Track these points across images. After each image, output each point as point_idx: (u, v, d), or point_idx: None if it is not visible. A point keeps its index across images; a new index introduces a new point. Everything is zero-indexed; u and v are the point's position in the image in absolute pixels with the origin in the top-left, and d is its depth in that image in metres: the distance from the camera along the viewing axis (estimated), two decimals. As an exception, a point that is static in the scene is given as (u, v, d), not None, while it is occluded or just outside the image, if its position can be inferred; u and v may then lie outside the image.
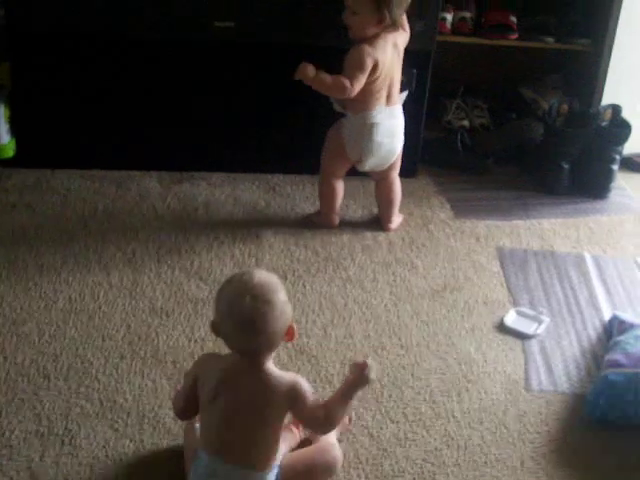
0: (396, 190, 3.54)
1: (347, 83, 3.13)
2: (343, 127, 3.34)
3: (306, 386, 2.10)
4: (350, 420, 2.48)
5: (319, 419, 2.11)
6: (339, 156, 3.39)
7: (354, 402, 2.22)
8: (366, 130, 3.28)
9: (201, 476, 2.09)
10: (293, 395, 2.07)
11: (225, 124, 3.78)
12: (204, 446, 2.11)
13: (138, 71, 3.66)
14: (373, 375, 2.12)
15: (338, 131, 3.35)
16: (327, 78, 3.16)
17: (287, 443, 2.27)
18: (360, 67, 3.12)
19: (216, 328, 2.08)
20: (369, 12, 3.13)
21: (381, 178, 3.50)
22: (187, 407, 2.19)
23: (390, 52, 3.20)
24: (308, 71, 3.15)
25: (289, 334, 2.07)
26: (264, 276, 2.06)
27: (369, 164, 3.38)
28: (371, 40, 3.16)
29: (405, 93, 3.40)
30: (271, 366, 2.10)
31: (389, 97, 3.31)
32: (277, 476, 2.14)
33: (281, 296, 2.03)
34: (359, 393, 2.17)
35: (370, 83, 3.17)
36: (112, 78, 3.65)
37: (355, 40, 3.20)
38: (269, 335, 2.02)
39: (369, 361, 2.13)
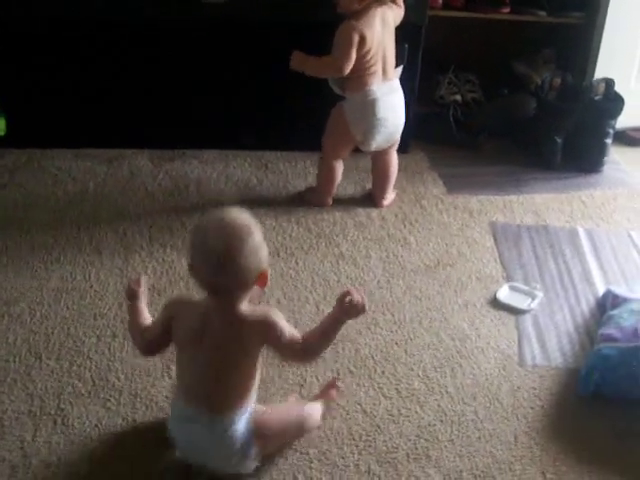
0: (394, 166, 3.53)
1: (337, 60, 3.13)
2: (344, 108, 3.32)
3: (279, 318, 2.10)
4: (337, 389, 2.49)
5: (297, 352, 2.13)
6: (343, 138, 3.38)
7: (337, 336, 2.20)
8: (368, 107, 3.27)
9: (174, 418, 2.17)
10: (265, 327, 2.08)
11: (216, 101, 3.76)
12: (179, 391, 2.16)
13: (128, 50, 3.64)
14: (358, 300, 2.11)
15: (340, 113, 3.34)
16: (316, 61, 3.20)
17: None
18: (347, 43, 3.12)
19: (190, 268, 2.08)
20: None
21: (379, 154, 3.49)
22: (156, 345, 2.22)
23: (378, 26, 3.19)
24: (300, 59, 3.21)
25: (261, 279, 2.06)
26: (240, 216, 2.06)
27: (376, 143, 3.37)
28: (357, 15, 3.16)
29: (400, 68, 3.39)
30: (245, 307, 2.09)
31: (385, 72, 3.30)
32: (248, 422, 2.14)
33: (255, 237, 2.03)
34: (342, 329, 2.17)
35: (361, 58, 3.16)
36: (102, 58, 3.64)
37: (343, 14, 3.19)
38: (239, 271, 2.01)
39: (353, 290, 2.13)
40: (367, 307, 2.14)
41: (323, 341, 2.17)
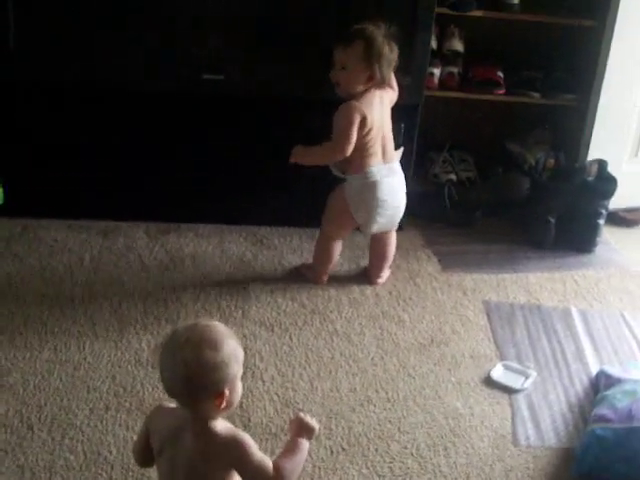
0: (392, 247, 3.55)
1: (339, 143, 3.16)
2: (345, 190, 3.33)
3: (248, 442, 1.98)
4: None
5: (267, 475, 1.99)
6: (344, 220, 3.40)
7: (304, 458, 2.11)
8: (369, 189, 3.29)
9: None
10: (233, 453, 1.97)
11: (213, 175, 3.78)
12: None
13: (126, 122, 3.67)
14: (311, 422, 2.09)
15: (341, 195, 3.35)
16: (318, 149, 3.24)
17: None
18: (348, 123, 3.15)
19: None
20: (359, 68, 3.16)
21: (379, 235, 3.50)
22: (144, 457, 2.13)
23: (378, 106, 3.23)
24: (301, 152, 3.25)
25: (219, 399, 1.92)
26: (214, 330, 1.94)
27: (377, 226, 3.39)
28: (359, 96, 3.19)
29: (401, 150, 3.42)
30: (216, 424, 1.98)
31: (384, 153, 3.32)
32: None
33: (220, 353, 1.89)
34: (306, 448, 2.10)
35: (362, 138, 3.19)
36: (99, 129, 3.66)
37: (343, 96, 3.22)
38: (191, 384, 1.89)
39: (301, 414, 2.12)
40: (316, 429, 2.12)
41: (294, 460, 2.05)
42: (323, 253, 3.51)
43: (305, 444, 2.08)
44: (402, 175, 3.42)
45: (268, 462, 2.00)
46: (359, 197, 3.31)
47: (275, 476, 2.00)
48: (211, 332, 1.92)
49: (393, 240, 3.54)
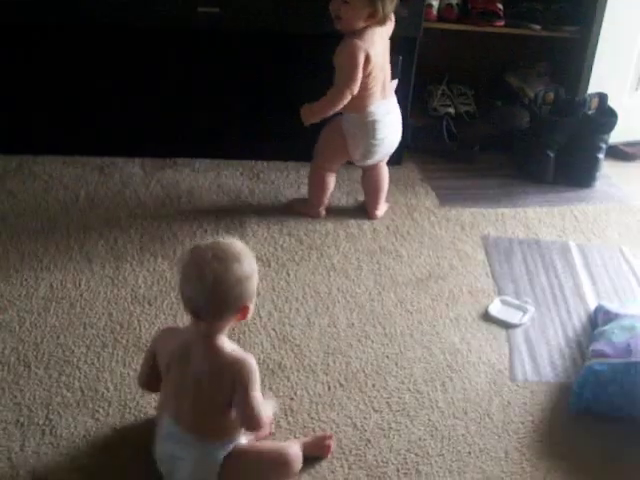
0: (384, 178, 3.52)
1: (345, 86, 3.11)
2: (343, 126, 3.30)
3: (255, 370, 2.07)
4: (329, 447, 2.37)
5: (251, 411, 2.07)
6: (339, 154, 3.37)
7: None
8: (369, 128, 3.26)
9: (163, 436, 2.14)
10: (239, 372, 2.05)
11: (209, 110, 3.75)
12: (164, 411, 2.15)
13: (121, 57, 3.62)
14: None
15: (338, 129, 3.31)
16: (324, 101, 3.18)
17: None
18: (353, 63, 3.08)
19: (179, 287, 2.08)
20: (361, 3, 3.07)
21: (371, 167, 3.48)
22: (149, 381, 2.24)
23: (379, 44, 3.17)
24: (308, 112, 3.20)
25: (242, 312, 2.06)
26: (235, 245, 2.06)
27: (372, 160, 3.38)
28: (360, 33, 3.12)
29: (396, 81, 3.38)
30: (223, 341, 2.09)
31: (383, 89, 3.27)
32: (228, 457, 2.14)
33: (243, 267, 2.02)
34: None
35: (365, 78, 3.14)
36: (94, 64, 3.62)
37: (344, 32, 3.15)
38: (218, 298, 2.00)
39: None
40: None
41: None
42: (318, 186, 3.47)
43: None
44: (399, 110, 3.38)
45: (260, 401, 2.08)
46: (358, 135, 3.28)
47: (257, 418, 2.08)
48: (233, 247, 2.04)
49: (385, 172, 3.52)
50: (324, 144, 3.39)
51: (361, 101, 3.21)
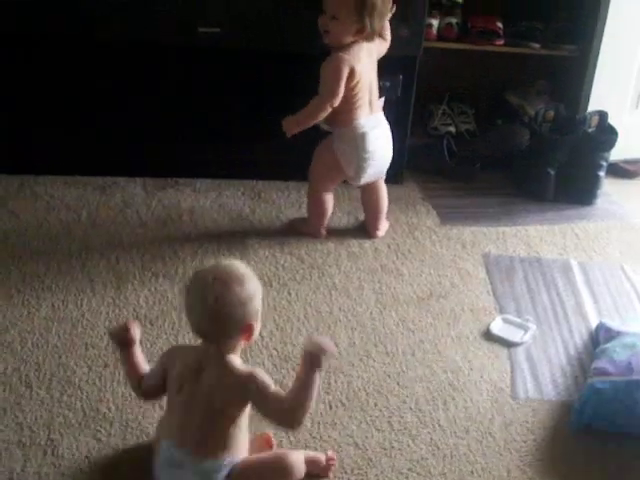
0: (383, 196, 3.53)
1: (327, 97, 3.13)
2: (334, 144, 3.31)
3: (264, 377, 2.11)
4: (331, 466, 2.36)
5: (285, 410, 2.09)
6: (333, 172, 3.38)
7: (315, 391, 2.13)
8: (358, 140, 3.26)
9: (161, 463, 2.14)
10: (250, 386, 2.08)
11: (210, 130, 3.76)
12: (166, 434, 2.15)
13: (123, 76, 3.63)
14: (319, 347, 2.10)
15: (329, 148, 3.33)
16: (306, 111, 3.18)
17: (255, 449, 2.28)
18: (336, 76, 3.10)
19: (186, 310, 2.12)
20: (349, 19, 3.09)
21: (368, 186, 3.48)
22: (153, 391, 2.25)
23: (365, 59, 3.18)
24: (290, 122, 3.20)
25: (247, 332, 2.09)
26: (237, 267, 2.10)
27: (366, 177, 3.37)
28: (347, 48, 3.14)
29: (382, 99, 3.38)
30: (233, 358, 2.12)
31: (371, 105, 3.29)
32: (230, 472, 2.14)
33: (246, 288, 2.05)
34: (317, 378, 2.12)
35: (350, 91, 3.15)
36: (96, 83, 3.63)
37: (331, 46, 3.18)
38: (222, 320, 2.04)
39: (313, 337, 2.20)
40: (334, 351, 2.15)
41: (305, 395, 2.10)
42: (317, 207, 3.49)
43: (314, 377, 2.11)
44: (387, 125, 3.39)
45: (283, 394, 2.11)
46: (348, 150, 3.29)
47: (290, 408, 2.09)
48: (235, 269, 2.08)
49: (383, 191, 3.53)
50: (317, 165, 3.40)
51: (348, 115, 3.23)
